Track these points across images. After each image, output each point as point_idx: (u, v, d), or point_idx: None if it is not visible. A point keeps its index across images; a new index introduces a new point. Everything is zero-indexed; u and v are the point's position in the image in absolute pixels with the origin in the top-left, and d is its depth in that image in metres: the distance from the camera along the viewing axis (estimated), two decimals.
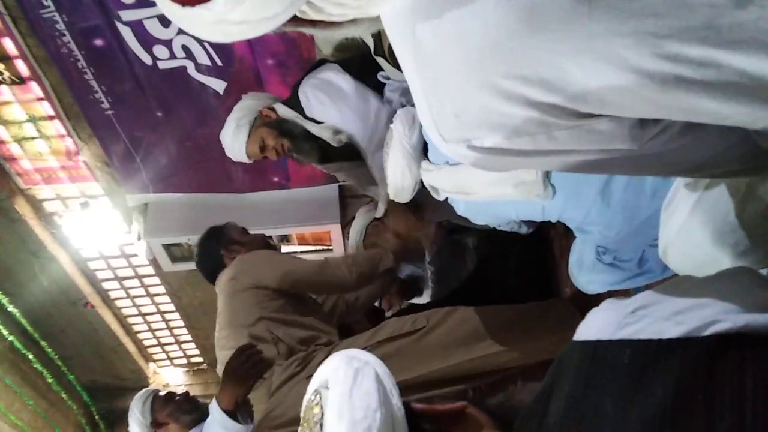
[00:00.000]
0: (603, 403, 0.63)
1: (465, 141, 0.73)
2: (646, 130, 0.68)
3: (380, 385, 1.30)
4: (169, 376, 6.23)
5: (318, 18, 0.75)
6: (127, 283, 4.97)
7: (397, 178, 1.95)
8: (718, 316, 0.61)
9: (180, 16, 0.75)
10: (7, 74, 3.19)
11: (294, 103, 2.43)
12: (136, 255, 4.41)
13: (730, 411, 0.55)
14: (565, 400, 0.67)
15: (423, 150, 1.93)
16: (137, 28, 2.87)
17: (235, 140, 2.46)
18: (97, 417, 6.04)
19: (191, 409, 2.38)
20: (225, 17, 0.71)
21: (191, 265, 4.35)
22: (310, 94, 2.40)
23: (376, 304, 3.16)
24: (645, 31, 0.56)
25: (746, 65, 0.55)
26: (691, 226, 1.05)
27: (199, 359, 6.08)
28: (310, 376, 2.04)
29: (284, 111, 2.41)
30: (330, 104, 2.38)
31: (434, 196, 1.93)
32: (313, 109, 2.39)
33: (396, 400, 1.31)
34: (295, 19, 0.76)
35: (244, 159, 2.51)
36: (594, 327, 0.70)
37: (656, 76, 0.58)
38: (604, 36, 0.58)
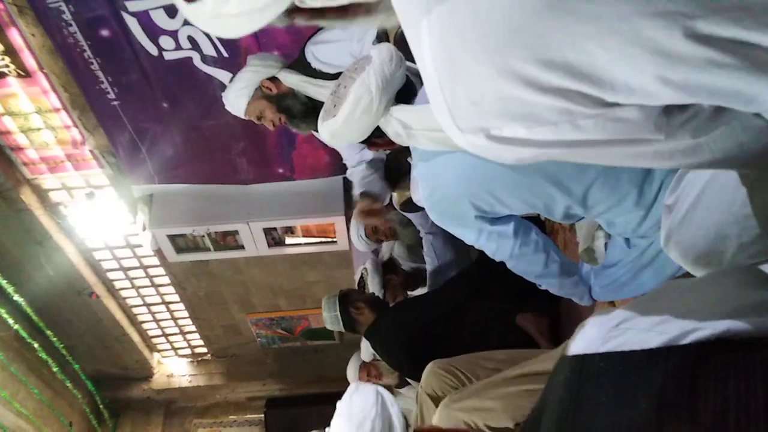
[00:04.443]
0: (593, 415, 0.63)
1: (483, 131, 0.69)
2: (672, 118, 0.66)
3: (379, 395, 1.35)
4: (173, 367, 6.26)
5: (319, 5, 0.73)
6: (131, 274, 4.99)
7: (360, 105, 1.58)
8: (698, 324, 0.61)
9: (185, 11, 0.75)
10: (12, 67, 3.20)
11: (300, 62, 2.39)
12: (141, 245, 4.42)
13: (713, 417, 0.55)
14: (557, 414, 0.67)
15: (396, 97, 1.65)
16: (143, 18, 2.87)
17: (235, 102, 2.45)
18: (101, 406, 6.07)
19: None
20: (220, 11, 0.71)
21: (196, 256, 4.39)
22: (315, 40, 2.38)
23: (381, 295, 3.18)
24: (675, 11, 0.55)
25: None
26: (695, 216, 1.04)
27: (203, 350, 6.10)
28: None
29: (289, 78, 2.36)
30: (335, 39, 2.33)
31: (393, 138, 1.68)
32: (320, 54, 2.34)
33: (396, 412, 1.35)
34: (299, 10, 0.75)
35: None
36: (581, 342, 0.70)
37: (686, 59, 0.56)
38: (631, 17, 0.56)
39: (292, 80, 2.36)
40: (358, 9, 0.75)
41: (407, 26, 0.73)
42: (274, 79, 2.40)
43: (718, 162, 0.74)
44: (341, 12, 0.75)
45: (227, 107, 2.50)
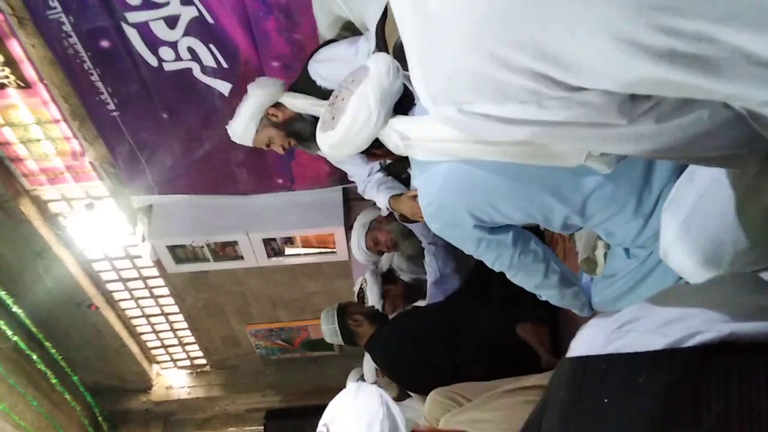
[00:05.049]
0: (595, 417, 0.63)
1: (455, 105, 0.72)
2: (636, 105, 0.67)
3: (383, 397, 1.36)
4: (172, 378, 6.23)
5: None
6: (131, 285, 4.97)
7: (358, 119, 1.59)
8: (701, 327, 0.61)
9: None
10: (12, 78, 3.20)
11: (304, 80, 2.38)
12: (140, 256, 4.42)
13: (717, 420, 0.55)
14: (559, 414, 0.67)
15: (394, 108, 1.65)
16: (143, 29, 2.88)
17: (243, 134, 2.46)
18: (100, 418, 6.04)
19: None
20: None
21: (195, 267, 4.39)
22: (318, 57, 2.36)
23: (380, 308, 3.17)
24: (642, 3, 0.56)
25: (740, 42, 0.54)
26: (692, 226, 1.05)
27: (203, 361, 6.08)
28: None
29: (295, 103, 2.36)
30: (338, 57, 2.34)
31: (393, 149, 1.67)
32: (324, 71, 2.34)
33: (398, 413, 1.36)
34: None
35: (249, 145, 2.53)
36: (583, 343, 0.70)
37: (650, 49, 0.57)
38: (600, 6, 0.57)
39: (300, 105, 2.35)
40: None
41: None
42: (278, 105, 2.39)
43: (686, 149, 0.74)
44: None
45: (234, 139, 2.51)
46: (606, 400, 0.62)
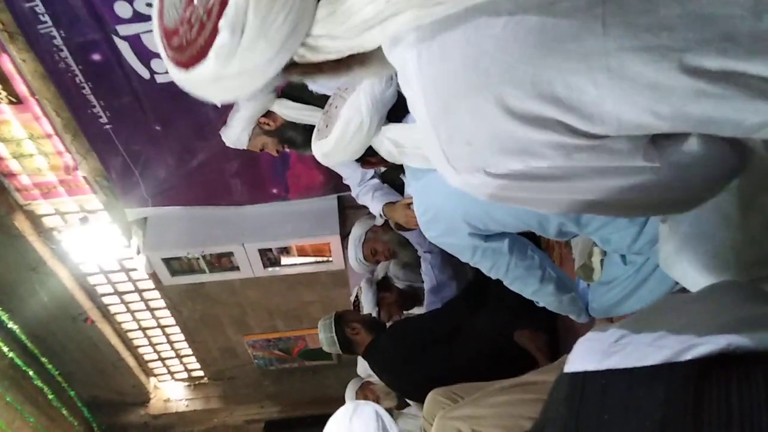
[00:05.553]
0: None
1: (480, 169, 0.70)
2: (660, 145, 0.67)
3: (379, 417, 1.34)
4: (170, 391, 6.20)
5: (317, 59, 0.72)
6: (126, 298, 4.96)
7: (350, 127, 1.59)
8: (698, 339, 0.60)
9: (184, 80, 0.73)
10: (4, 94, 3.20)
11: (295, 85, 2.33)
12: (135, 269, 4.40)
13: None
14: (559, 431, 0.67)
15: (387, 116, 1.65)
16: (134, 42, 2.87)
17: (236, 142, 2.46)
18: None
19: None
20: (221, 73, 0.69)
21: (191, 279, 4.37)
22: None
23: (375, 314, 3.16)
24: (662, 45, 0.56)
25: (767, 75, 0.55)
26: (693, 238, 1.04)
27: (200, 373, 6.06)
28: None
29: (287, 112, 2.35)
30: None
31: (386, 156, 1.68)
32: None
33: None
34: (296, 66, 0.74)
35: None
36: (581, 358, 0.69)
37: (676, 91, 0.57)
38: (619, 52, 0.57)
39: (291, 114, 2.34)
40: (353, 61, 0.74)
41: (399, 68, 0.73)
42: (269, 114, 2.38)
43: (711, 185, 0.74)
44: (337, 65, 0.75)
45: (228, 144, 2.51)
46: (606, 416, 0.61)
